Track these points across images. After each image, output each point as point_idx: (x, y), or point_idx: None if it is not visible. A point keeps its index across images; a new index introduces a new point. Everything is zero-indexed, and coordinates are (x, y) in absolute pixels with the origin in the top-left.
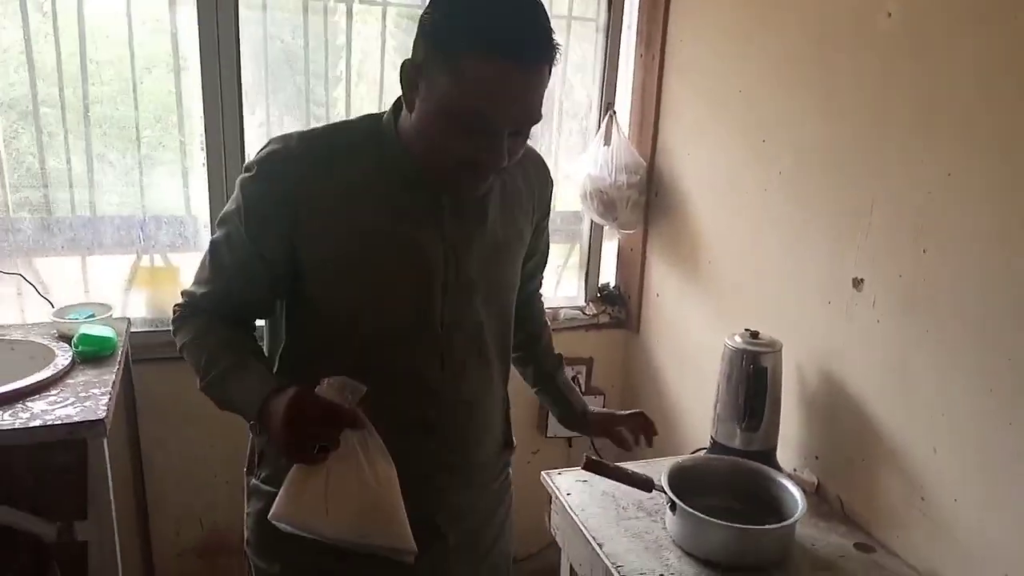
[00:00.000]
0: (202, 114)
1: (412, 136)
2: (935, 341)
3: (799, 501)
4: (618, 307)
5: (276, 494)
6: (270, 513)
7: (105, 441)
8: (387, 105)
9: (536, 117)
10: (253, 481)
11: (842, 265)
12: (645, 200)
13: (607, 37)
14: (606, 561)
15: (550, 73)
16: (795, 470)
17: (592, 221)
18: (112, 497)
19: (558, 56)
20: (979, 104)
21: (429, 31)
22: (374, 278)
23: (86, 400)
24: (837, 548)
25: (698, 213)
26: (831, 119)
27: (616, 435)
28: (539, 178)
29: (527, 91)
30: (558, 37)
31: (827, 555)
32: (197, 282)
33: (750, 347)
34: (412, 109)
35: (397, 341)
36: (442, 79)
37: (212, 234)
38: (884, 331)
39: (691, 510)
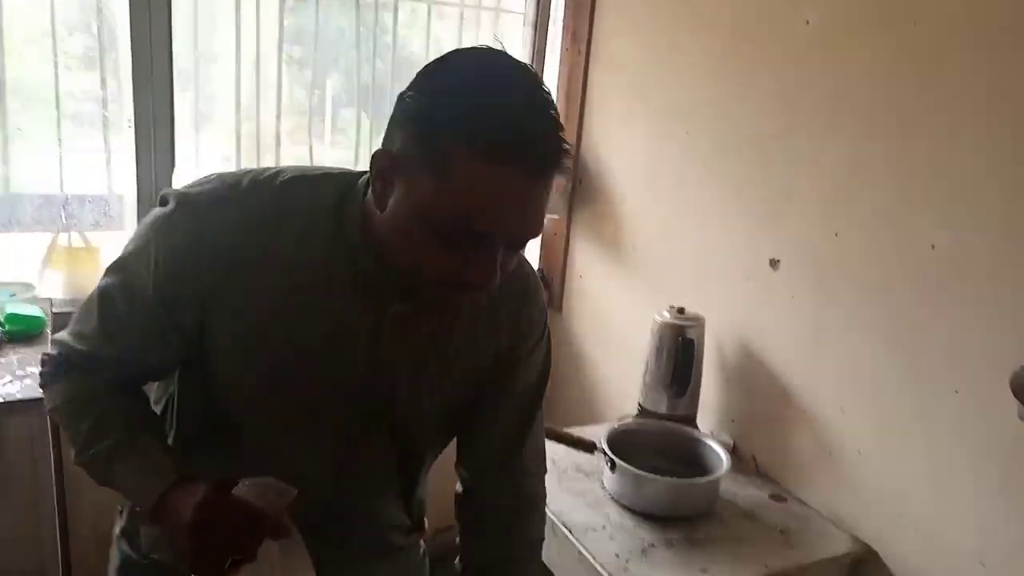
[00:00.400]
0: (131, 89)
1: (382, 237)
2: (844, 313)
3: (723, 458)
4: None
5: (131, 557)
6: None
7: (48, 418)
8: (324, 96)
9: (537, 231)
10: (117, 528)
11: (760, 247)
12: (571, 187)
13: (535, 30)
14: (554, 518)
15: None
16: (712, 432)
17: None
18: (53, 482)
19: (567, 161)
20: (881, 101)
21: (412, 119)
22: (284, 385)
23: (24, 378)
24: (754, 499)
25: (622, 199)
26: (750, 112)
27: None
28: (514, 303)
29: (529, 202)
30: (493, 34)
31: (747, 506)
32: (78, 335)
33: (678, 322)
34: (383, 207)
35: (294, 448)
36: (426, 179)
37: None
38: (798, 306)
39: (629, 467)
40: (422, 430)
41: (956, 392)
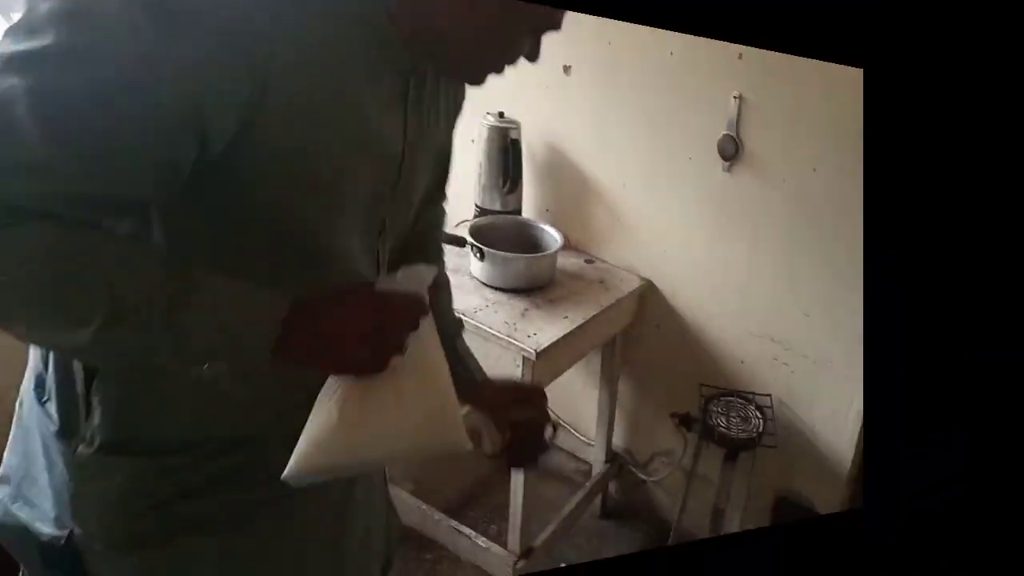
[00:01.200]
0: None
1: (456, 29)
2: (627, 105)
3: (557, 237)
4: None
5: (118, 465)
6: (302, 462)
7: None
8: None
9: None
10: (81, 449)
11: (553, 55)
12: None
13: None
14: None
15: None
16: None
17: None
18: None
19: None
20: None
21: None
22: (328, 177)
23: None
24: (575, 266)
25: None
26: None
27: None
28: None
29: None
30: None
31: (572, 271)
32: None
33: (502, 125)
34: None
35: (303, 264)
36: None
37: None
38: (589, 103)
39: (497, 252)
40: (409, 209)
41: (690, 159)
